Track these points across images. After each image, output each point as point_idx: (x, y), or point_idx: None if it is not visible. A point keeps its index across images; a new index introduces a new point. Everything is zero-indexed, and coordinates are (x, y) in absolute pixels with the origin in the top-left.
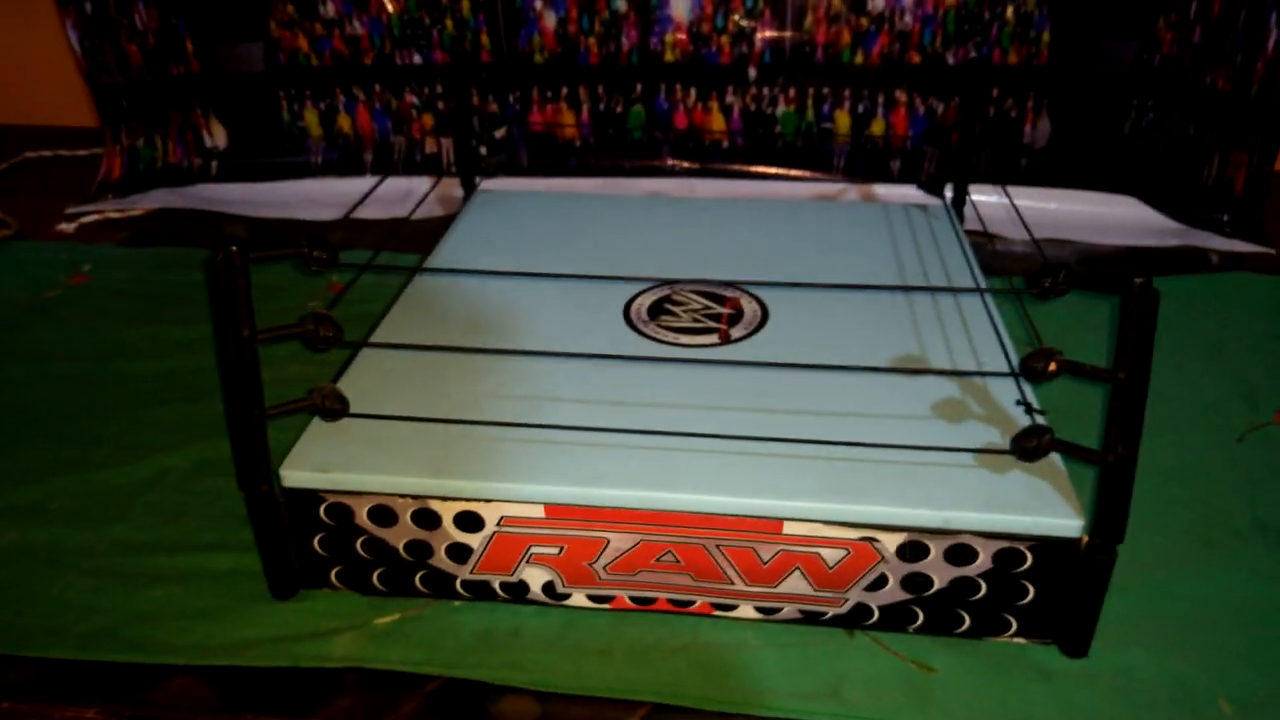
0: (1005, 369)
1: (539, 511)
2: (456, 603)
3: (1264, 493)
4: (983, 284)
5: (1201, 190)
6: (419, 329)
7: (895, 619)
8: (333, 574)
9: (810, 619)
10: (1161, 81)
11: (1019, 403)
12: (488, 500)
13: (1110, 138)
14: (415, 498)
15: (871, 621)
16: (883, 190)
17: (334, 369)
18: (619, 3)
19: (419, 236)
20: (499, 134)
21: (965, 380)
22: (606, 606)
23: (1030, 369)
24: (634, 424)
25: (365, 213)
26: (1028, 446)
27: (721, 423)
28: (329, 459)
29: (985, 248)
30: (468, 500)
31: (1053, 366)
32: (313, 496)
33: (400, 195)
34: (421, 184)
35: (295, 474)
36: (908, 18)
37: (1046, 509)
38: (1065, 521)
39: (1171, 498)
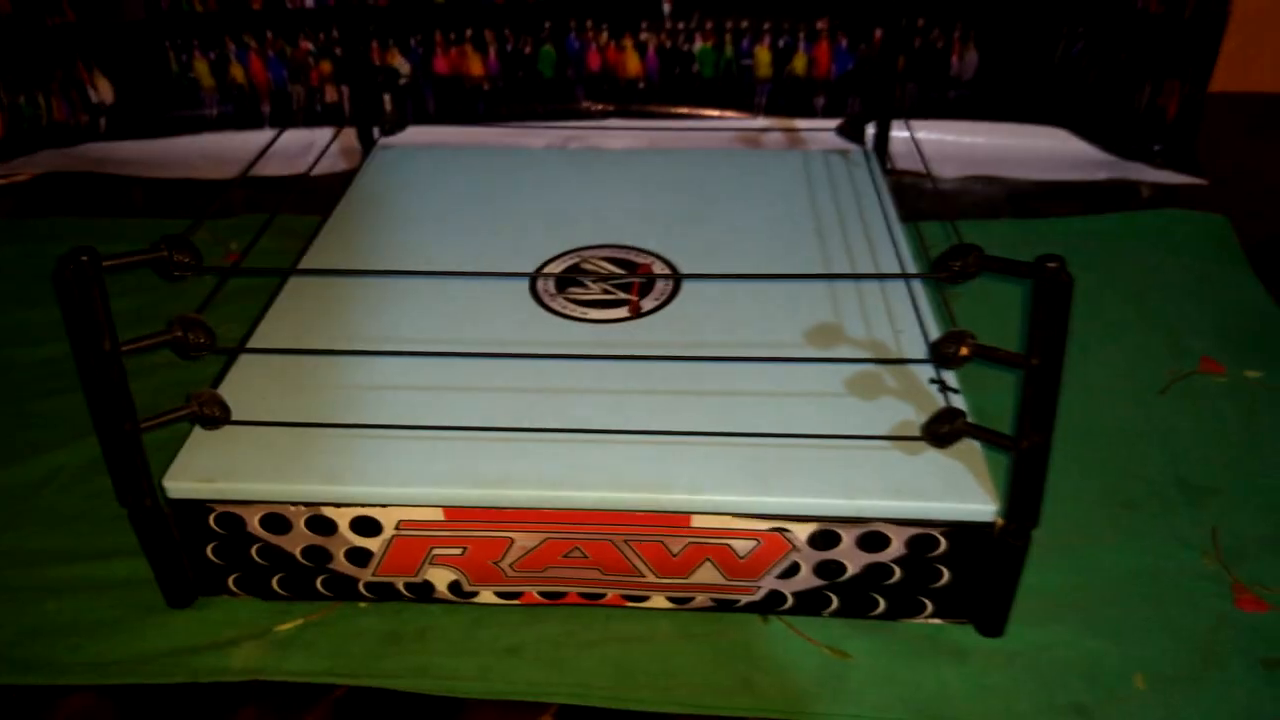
0: (920, 352)
1: (438, 515)
2: (362, 604)
3: (1186, 447)
4: (900, 239)
5: (1133, 119)
6: (306, 318)
7: (809, 604)
8: (230, 580)
9: (723, 607)
10: (1093, 7)
11: (933, 381)
12: (383, 505)
13: (1040, 68)
14: (308, 505)
15: (786, 607)
16: (806, 127)
17: (214, 364)
18: None
19: (320, 194)
20: (403, 80)
21: (881, 351)
22: (516, 602)
23: (942, 354)
24: (537, 413)
25: (266, 168)
26: (940, 432)
27: (627, 409)
28: (214, 468)
29: (914, 187)
30: (362, 506)
31: (964, 351)
32: (200, 507)
33: (302, 148)
34: (324, 135)
35: (180, 485)
36: None
37: (959, 494)
38: (978, 506)
39: (1089, 460)
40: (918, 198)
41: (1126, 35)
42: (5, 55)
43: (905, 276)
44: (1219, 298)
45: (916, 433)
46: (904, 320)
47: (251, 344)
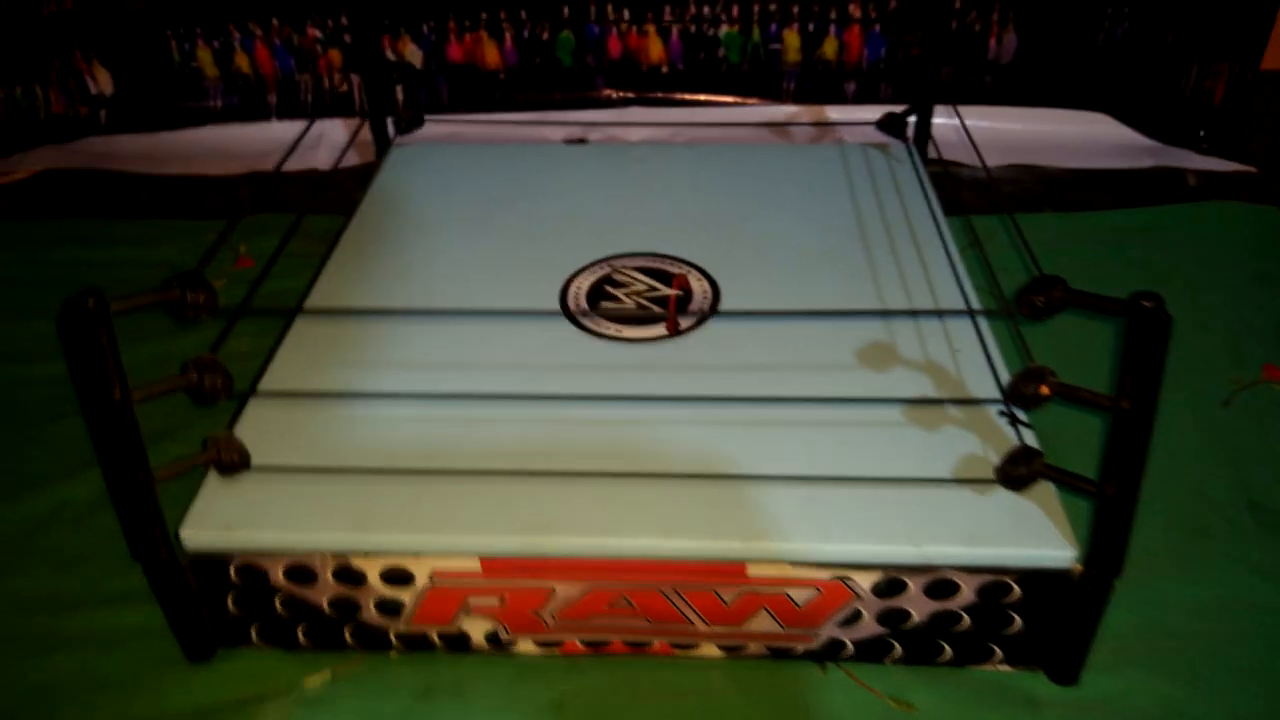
0: (987, 383)
1: (474, 565)
2: (393, 654)
3: (1256, 466)
4: (952, 246)
5: (1178, 103)
6: (325, 347)
7: (871, 652)
8: (253, 631)
9: (779, 655)
10: None
11: (1002, 413)
12: (416, 555)
13: (1081, 51)
14: (335, 555)
15: (845, 655)
16: (836, 114)
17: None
18: None
19: (333, 189)
20: (416, 64)
21: (942, 378)
22: (556, 652)
23: (1020, 394)
24: (575, 449)
25: (273, 162)
26: (1016, 475)
27: (671, 443)
28: (234, 516)
29: (953, 176)
30: (393, 556)
31: (1045, 390)
32: (220, 558)
33: (312, 140)
34: (332, 126)
35: (198, 535)
36: None
37: (1035, 539)
38: (1056, 553)
39: (1153, 480)
40: (957, 186)
41: (1174, 16)
42: (3, 46)
43: (978, 313)
44: (1276, 297)
45: (988, 473)
46: (961, 336)
47: (269, 374)
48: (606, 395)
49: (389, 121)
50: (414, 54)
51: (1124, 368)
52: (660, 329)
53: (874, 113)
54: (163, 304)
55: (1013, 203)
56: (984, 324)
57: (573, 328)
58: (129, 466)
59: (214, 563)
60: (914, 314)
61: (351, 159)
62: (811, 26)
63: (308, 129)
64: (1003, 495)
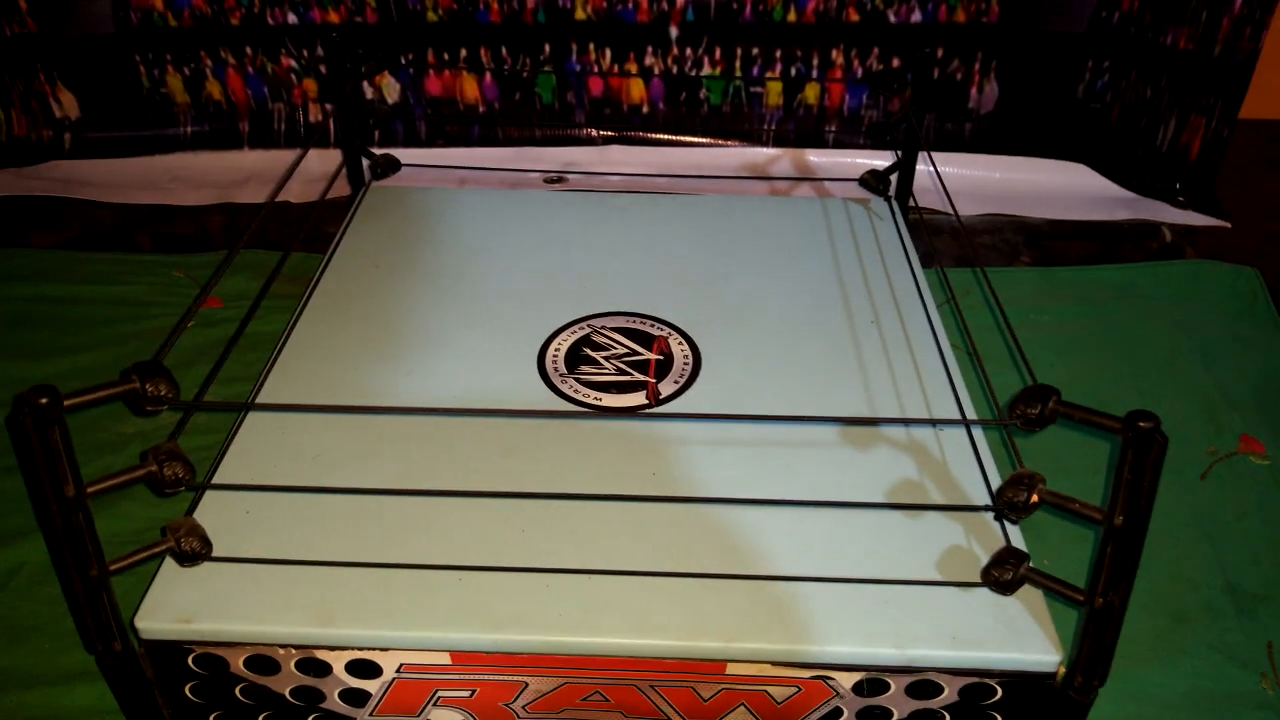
0: (980, 492)
1: (444, 659)
2: None
3: (1233, 544)
4: (931, 307)
5: (1155, 156)
6: (293, 418)
7: None
8: (212, 718)
9: None
10: (1119, 41)
11: (988, 508)
12: (383, 649)
13: (1061, 102)
14: (299, 647)
15: None
16: (817, 158)
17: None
18: None
19: (302, 223)
20: (389, 103)
21: (930, 467)
22: None
23: (1010, 501)
24: (548, 537)
25: (245, 193)
26: (1002, 579)
27: (650, 531)
28: (192, 605)
29: (931, 224)
30: (360, 649)
31: (1035, 499)
32: (177, 648)
33: (283, 169)
34: (308, 157)
35: (154, 625)
36: None
37: (1020, 643)
38: (1041, 657)
39: None
40: (935, 234)
41: (1153, 71)
42: None
43: (972, 423)
44: (1253, 362)
45: (974, 573)
46: (948, 411)
47: (231, 452)
48: (582, 495)
49: (365, 165)
50: (391, 87)
51: (1118, 484)
52: (640, 397)
53: (853, 157)
54: (121, 397)
55: (991, 252)
56: (968, 407)
57: (552, 395)
58: (82, 562)
59: (171, 652)
60: (906, 423)
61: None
62: (794, 71)
63: (297, 161)
64: (988, 596)
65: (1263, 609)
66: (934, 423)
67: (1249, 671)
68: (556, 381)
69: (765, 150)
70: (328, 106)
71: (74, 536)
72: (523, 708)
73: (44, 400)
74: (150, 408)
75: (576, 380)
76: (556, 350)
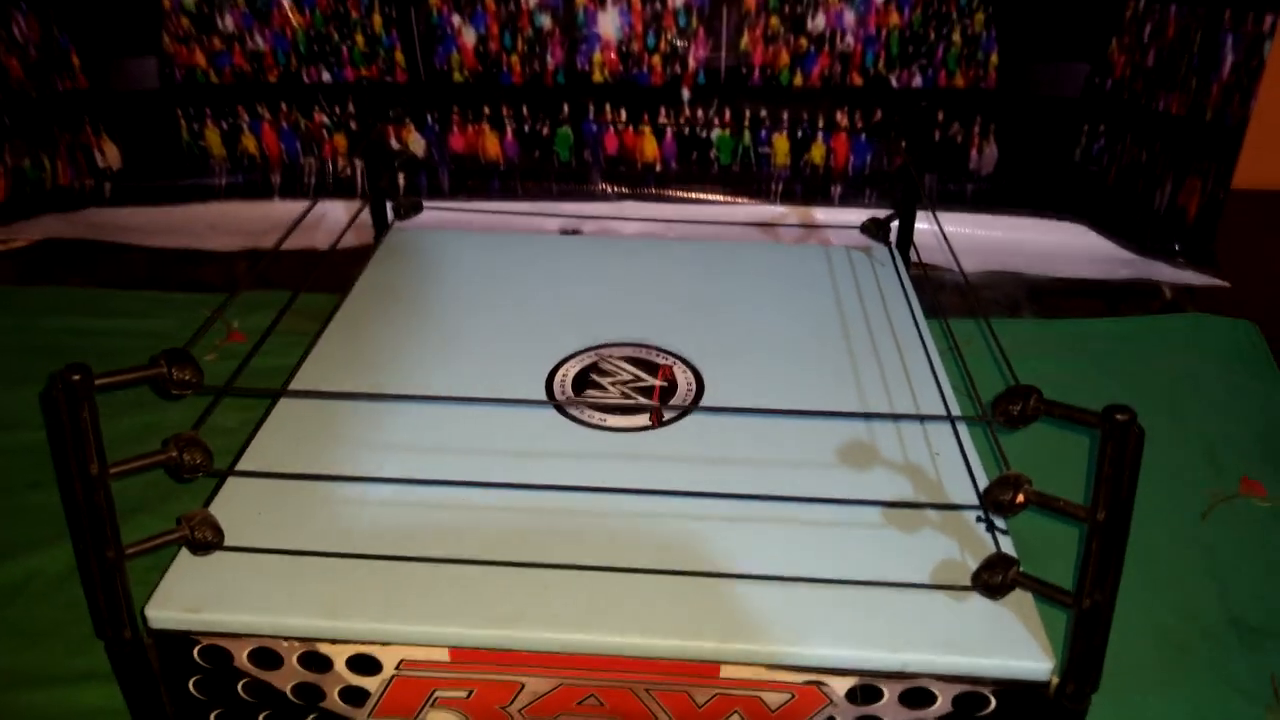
0: (964, 486)
1: (443, 655)
2: None
3: (1235, 580)
4: (930, 344)
5: (1153, 217)
6: (307, 427)
7: None
8: (212, 717)
9: None
10: (1113, 106)
11: (980, 519)
12: (384, 644)
13: (1059, 164)
14: (302, 640)
15: None
16: (822, 215)
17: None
18: (543, 19)
19: (328, 268)
20: (419, 153)
21: (921, 481)
22: None
23: (996, 501)
24: (552, 540)
25: (272, 240)
26: (992, 583)
27: (650, 536)
28: (201, 596)
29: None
30: (362, 643)
31: (1021, 499)
32: (184, 639)
33: (313, 220)
34: (334, 207)
35: (164, 614)
36: (849, 38)
37: (1012, 650)
38: (1032, 664)
39: (1135, 593)
40: (938, 290)
41: (1147, 135)
42: (15, 119)
43: (957, 419)
44: (1253, 410)
45: (965, 578)
46: (941, 440)
47: (249, 454)
48: (585, 487)
49: (389, 206)
50: (417, 142)
51: (1099, 480)
52: (644, 419)
53: (859, 215)
54: (149, 380)
55: (993, 307)
56: (963, 430)
57: (557, 415)
58: (100, 542)
59: (178, 643)
60: (895, 418)
61: (349, 240)
62: (800, 133)
63: (310, 208)
64: (980, 602)
65: (1267, 642)
66: (922, 418)
67: (1254, 703)
68: (565, 404)
69: (773, 208)
70: (357, 161)
71: (95, 514)
72: (519, 710)
73: (77, 377)
74: (176, 391)
75: (583, 404)
76: (564, 375)
